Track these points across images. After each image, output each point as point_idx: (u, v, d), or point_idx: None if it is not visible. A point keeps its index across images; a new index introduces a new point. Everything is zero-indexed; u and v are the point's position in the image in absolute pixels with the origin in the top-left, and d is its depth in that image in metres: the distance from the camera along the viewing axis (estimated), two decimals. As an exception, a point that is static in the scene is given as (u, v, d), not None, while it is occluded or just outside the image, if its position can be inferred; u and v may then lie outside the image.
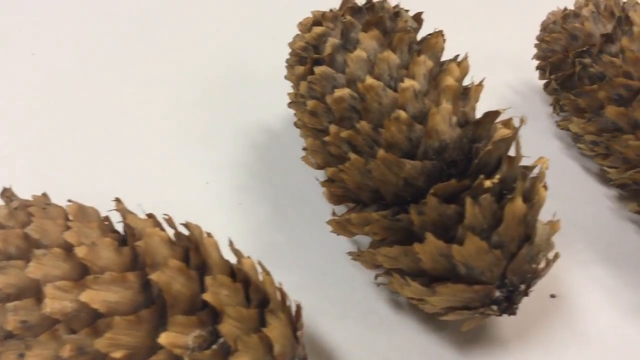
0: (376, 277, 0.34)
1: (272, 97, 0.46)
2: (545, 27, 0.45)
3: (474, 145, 0.31)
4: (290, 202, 0.41)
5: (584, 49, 0.40)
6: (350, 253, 0.34)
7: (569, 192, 0.42)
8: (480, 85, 0.35)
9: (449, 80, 0.32)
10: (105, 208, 0.31)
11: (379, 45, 0.36)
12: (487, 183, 0.28)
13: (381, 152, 0.30)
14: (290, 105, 0.39)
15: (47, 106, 0.48)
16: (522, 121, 0.33)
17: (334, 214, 0.36)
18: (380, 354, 0.34)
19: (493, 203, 0.29)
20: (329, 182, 0.34)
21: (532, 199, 0.30)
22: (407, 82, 0.32)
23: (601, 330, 0.35)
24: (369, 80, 0.33)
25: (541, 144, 0.46)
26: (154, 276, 0.26)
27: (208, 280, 0.26)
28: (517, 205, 0.29)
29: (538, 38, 0.45)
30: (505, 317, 0.34)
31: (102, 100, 0.49)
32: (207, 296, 0.26)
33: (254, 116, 0.47)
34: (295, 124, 0.38)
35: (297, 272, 0.38)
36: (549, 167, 0.43)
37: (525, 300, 0.35)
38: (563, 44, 0.42)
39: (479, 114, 0.36)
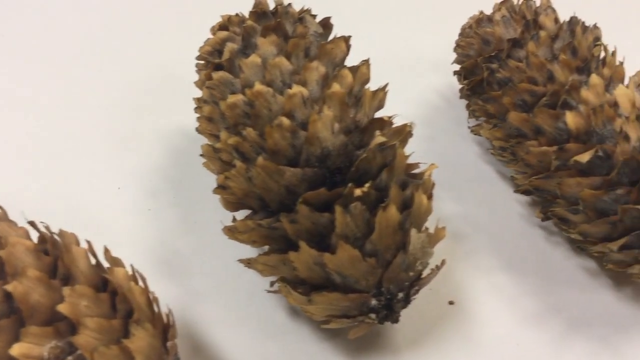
0: (271, 284, 0.34)
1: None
2: (462, 32, 0.44)
3: (357, 152, 0.31)
4: (200, 208, 0.41)
5: (493, 54, 0.40)
6: (241, 260, 0.34)
7: (481, 198, 0.42)
8: (381, 90, 0.35)
9: (335, 87, 0.32)
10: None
11: (278, 50, 0.35)
12: (357, 191, 0.28)
13: (260, 160, 0.30)
14: (195, 110, 0.39)
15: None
16: (410, 126, 0.33)
17: (234, 220, 0.36)
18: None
19: (365, 211, 0.28)
20: (220, 189, 0.34)
21: (409, 207, 0.30)
22: (295, 89, 0.32)
23: (496, 338, 0.35)
24: (258, 86, 0.32)
25: (460, 149, 0.46)
26: (9, 287, 0.26)
27: (66, 291, 0.26)
28: (390, 213, 0.28)
29: (456, 42, 0.45)
30: (401, 324, 0.34)
31: (14, 100, 0.49)
32: (62, 307, 0.26)
33: (174, 120, 0.46)
34: (197, 130, 0.38)
35: (199, 279, 0.37)
36: (467, 173, 0.43)
37: (422, 306, 0.35)
38: (476, 48, 0.42)
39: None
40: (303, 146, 0.31)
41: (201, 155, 0.36)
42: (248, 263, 0.33)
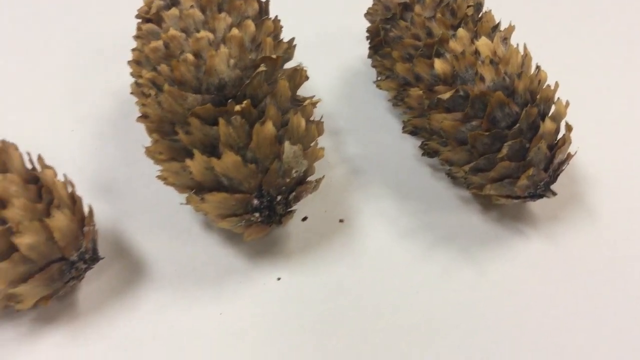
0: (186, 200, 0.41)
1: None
2: (373, 1, 0.51)
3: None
4: (138, 147, 0.47)
5: (388, 17, 0.47)
6: (158, 177, 0.40)
7: (381, 143, 0.48)
8: (285, 43, 0.42)
9: (234, 32, 0.39)
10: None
11: (197, 6, 0.42)
12: (237, 107, 0.35)
13: (166, 86, 0.37)
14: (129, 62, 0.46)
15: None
16: (301, 68, 0.40)
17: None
18: (183, 261, 0.40)
19: (245, 124, 0.35)
20: (142, 117, 0.40)
21: (286, 125, 0.36)
22: (202, 33, 0.39)
23: (374, 249, 0.41)
24: (172, 31, 0.39)
25: (371, 104, 0.52)
26: (-47, 172, 0.32)
27: (-1, 177, 0.33)
28: (266, 127, 0.35)
29: (367, 10, 0.51)
30: (294, 236, 0.41)
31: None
32: (-6, 188, 0.32)
33: (123, 77, 0.53)
34: (131, 74, 0.44)
35: (130, 201, 0.44)
36: (373, 122, 0.50)
37: (316, 223, 0.42)
38: (380, 14, 0.49)
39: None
40: (203, 78, 0.37)
41: (131, 93, 0.43)
42: (164, 178, 0.40)
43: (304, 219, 0.43)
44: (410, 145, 0.48)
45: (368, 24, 0.52)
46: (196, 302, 0.38)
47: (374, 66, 0.49)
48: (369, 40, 0.50)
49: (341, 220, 0.43)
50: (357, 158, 0.47)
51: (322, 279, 0.39)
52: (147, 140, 0.40)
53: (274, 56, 0.39)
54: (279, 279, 0.39)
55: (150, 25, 0.42)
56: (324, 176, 0.39)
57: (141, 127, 0.46)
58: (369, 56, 0.50)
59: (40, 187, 0.35)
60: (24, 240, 0.32)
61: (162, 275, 0.39)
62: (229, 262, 0.40)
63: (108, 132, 0.50)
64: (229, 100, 0.35)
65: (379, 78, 0.50)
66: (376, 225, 0.42)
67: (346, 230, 0.42)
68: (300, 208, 0.43)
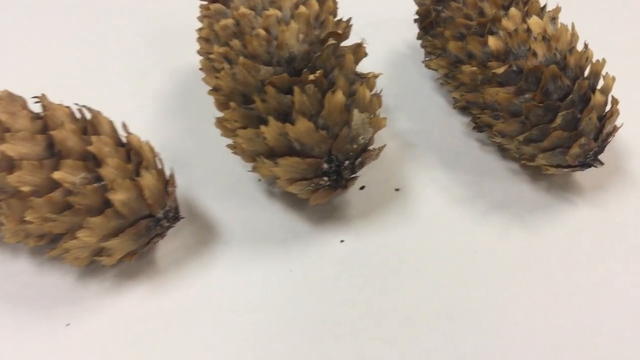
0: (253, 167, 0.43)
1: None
2: (422, -14, 0.54)
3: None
4: (203, 121, 0.49)
5: (440, -2, 0.49)
6: (228, 145, 0.43)
7: (431, 119, 0.51)
8: (344, 22, 0.45)
9: (302, 9, 0.41)
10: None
11: (263, -14, 0.45)
12: (311, 76, 0.37)
13: (241, 59, 0.39)
14: (198, 40, 0.48)
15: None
16: (362, 44, 0.42)
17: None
18: (251, 225, 0.43)
19: (318, 93, 0.38)
20: (213, 91, 0.43)
21: (353, 95, 0.39)
22: (271, 11, 0.42)
23: (430, 214, 0.43)
24: (243, 9, 0.42)
25: (418, 84, 0.55)
26: (54, 132, 0.35)
27: (94, 138, 0.36)
28: (337, 96, 0.38)
29: (416, -6, 0.54)
30: (354, 202, 0.44)
31: (63, 38, 0.59)
32: (91, 147, 0.35)
33: (186, 57, 0.55)
34: (198, 52, 0.47)
35: (198, 170, 0.47)
36: (421, 101, 0.52)
37: (373, 191, 0.44)
38: (430, -4, 0.51)
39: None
40: (275, 51, 0.40)
41: (200, 69, 0.46)
42: (234, 148, 0.43)
43: (362, 187, 0.45)
44: (458, 122, 0.50)
45: (411, 9, 0.54)
46: (266, 261, 0.40)
47: (423, 46, 0.52)
48: (418, 22, 0.53)
49: (397, 189, 0.45)
50: (408, 133, 0.50)
51: (383, 241, 0.42)
52: (211, 115, 0.42)
53: (339, 31, 0.41)
54: (342, 241, 0.42)
55: (218, 5, 0.45)
56: (385, 145, 0.42)
57: (204, 103, 0.49)
58: (419, 37, 0.53)
59: (129, 150, 0.37)
60: (118, 197, 0.35)
61: (233, 237, 0.42)
62: (294, 226, 0.43)
63: (173, 108, 0.52)
64: (304, 70, 0.38)
65: (427, 58, 0.52)
66: (430, 194, 0.45)
67: (402, 198, 0.45)
68: (358, 178, 0.45)
